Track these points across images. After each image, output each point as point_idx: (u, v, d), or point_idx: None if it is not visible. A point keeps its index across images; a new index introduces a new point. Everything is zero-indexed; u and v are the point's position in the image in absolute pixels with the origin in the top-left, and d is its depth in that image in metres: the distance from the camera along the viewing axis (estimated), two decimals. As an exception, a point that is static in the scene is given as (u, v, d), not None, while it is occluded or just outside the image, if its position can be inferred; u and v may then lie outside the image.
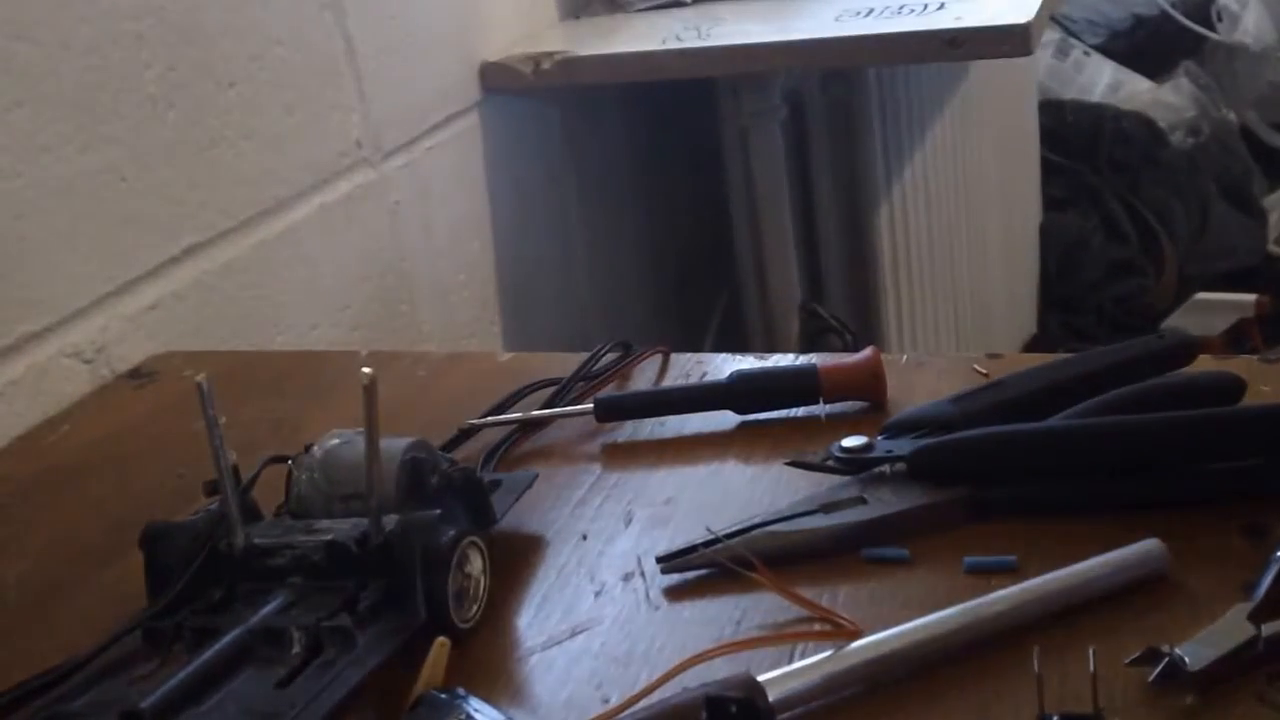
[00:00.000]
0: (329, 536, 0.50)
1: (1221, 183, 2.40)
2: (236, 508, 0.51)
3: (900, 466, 0.56)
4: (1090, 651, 0.41)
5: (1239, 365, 0.60)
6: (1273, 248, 2.46)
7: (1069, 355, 0.62)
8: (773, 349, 1.23)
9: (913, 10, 1.25)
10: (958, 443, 0.55)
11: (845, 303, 1.53)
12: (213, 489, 0.52)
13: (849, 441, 0.57)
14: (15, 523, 0.68)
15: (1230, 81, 2.64)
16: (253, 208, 1.00)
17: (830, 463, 0.57)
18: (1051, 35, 2.42)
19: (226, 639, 0.47)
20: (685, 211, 1.70)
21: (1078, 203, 2.28)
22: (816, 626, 0.48)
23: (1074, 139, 2.30)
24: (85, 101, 0.85)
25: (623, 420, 0.67)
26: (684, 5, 1.47)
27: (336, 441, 0.55)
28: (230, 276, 0.98)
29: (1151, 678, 0.42)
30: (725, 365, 0.71)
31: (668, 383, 0.72)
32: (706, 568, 0.52)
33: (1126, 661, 0.43)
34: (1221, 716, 0.41)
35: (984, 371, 0.65)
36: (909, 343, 1.58)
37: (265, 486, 0.55)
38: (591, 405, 0.67)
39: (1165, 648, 0.42)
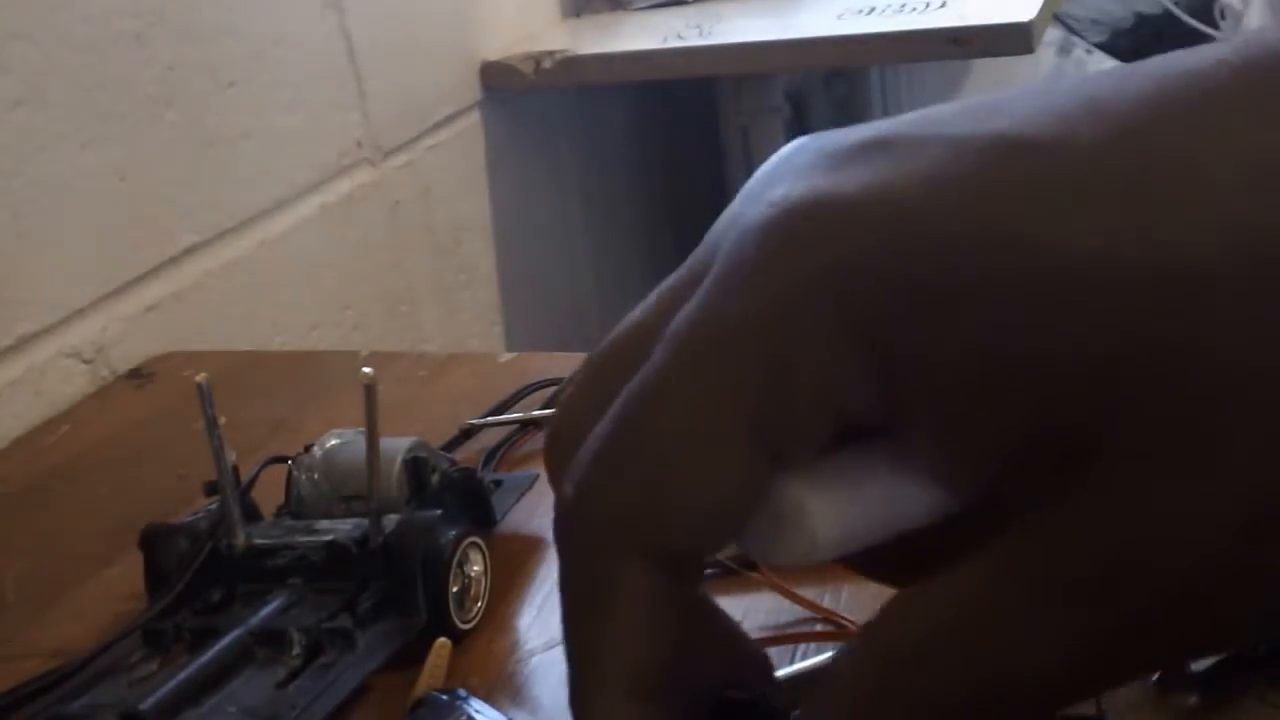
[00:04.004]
0: (329, 537, 0.50)
1: (1224, 181, 2.40)
2: (236, 508, 0.51)
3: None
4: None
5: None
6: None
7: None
8: (774, 348, 1.22)
9: (915, 9, 1.25)
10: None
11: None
12: (213, 489, 0.52)
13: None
14: (15, 524, 0.67)
15: (1232, 80, 2.63)
16: (253, 208, 1.00)
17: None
18: (1054, 34, 2.42)
19: (226, 640, 0.47)
20: (687, 210, 1.70)
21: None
22: (818, 627, 0.48)
23: (1076, 138, 2.30)
24: (84, 101, 0.85)
25: (624, 420, 0.67)
26: (685, 4, 1.47)
27: (336, 442, 0.55)
28: (230, 277, 0.98)
29: (1154, 679, 0.42)
30: (726, 365, 0.71)
31: (669, 382, 0.72)
32: (708, 568, 0.52)
33: None
34: (1223, 717, 0.41)
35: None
36: (911, 342, 1.58)
37: (265, 487, 0.55)
38: (592, 405, 0.66)
39: (1168, 648, 0.42)
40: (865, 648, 0.21)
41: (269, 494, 0.55)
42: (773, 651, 0.47)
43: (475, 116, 1.32)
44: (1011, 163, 0.20)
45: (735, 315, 0.21)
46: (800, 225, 0.20)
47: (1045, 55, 2.39)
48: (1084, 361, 0.19)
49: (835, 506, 0.21)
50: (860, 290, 0.20)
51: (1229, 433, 0.18)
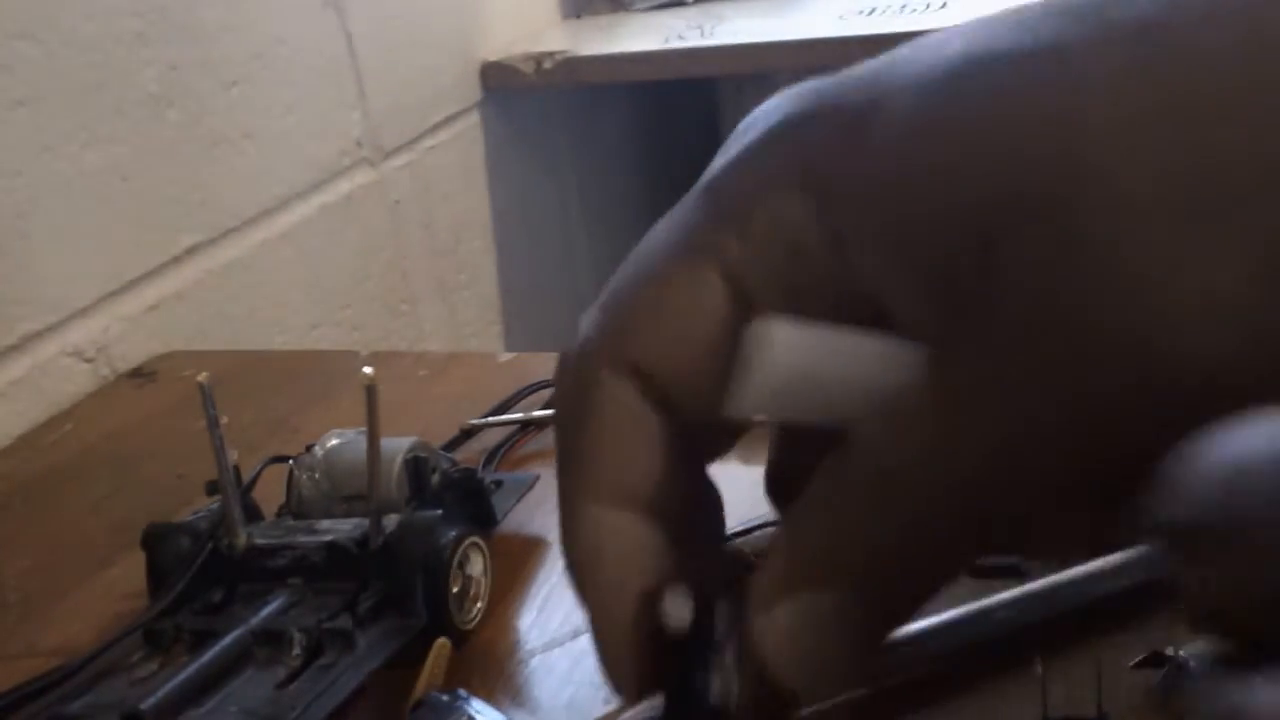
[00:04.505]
0: (329, 537, 0.50)
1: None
2: (237, 508, 0.51)
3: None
4: (1094, 654, 0.41)
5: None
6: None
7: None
8: (774, 349, 1.22)
9: (916, 9, 1.25)
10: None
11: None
12: (213, 489, 0.52)
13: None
14: (15, 522, 0.67)
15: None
16: (254, 207, 1.00)
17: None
18: (1054, 35, 2.42)
19: (227, 640, 0.47)
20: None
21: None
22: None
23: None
24: (87, 100, 0.85)
25: (624, 421, 0.67)
26: (686, 4, 1.47)
27: (337, 442, 0.55)
28: (231, 276, 0.98)
29: (1156, 681, 0.42)
30: (727, 366, 0.71)
31: (669, 383, 0.72)
32: (708, 569, 0.52)
33: (1130, 664, 0.43)
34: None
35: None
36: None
37: (266, 487, 0.55)
38: (593, 406, 0.66)
39: (1169, 650, 0.42)
40: (839, 471, 0.23)
41: (270, 494, 0.55)
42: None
43: (475, 116, 1.32)
44: (942, 43, 0.23)
45: (712, 172, 0.24)
46: (771, 106, 0.24)
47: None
48: (975, 167, 0.21)
49: (798, 335, 0.22)
50: (803, 140, 0.23)
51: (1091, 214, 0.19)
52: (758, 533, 0.53)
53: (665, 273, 0.24)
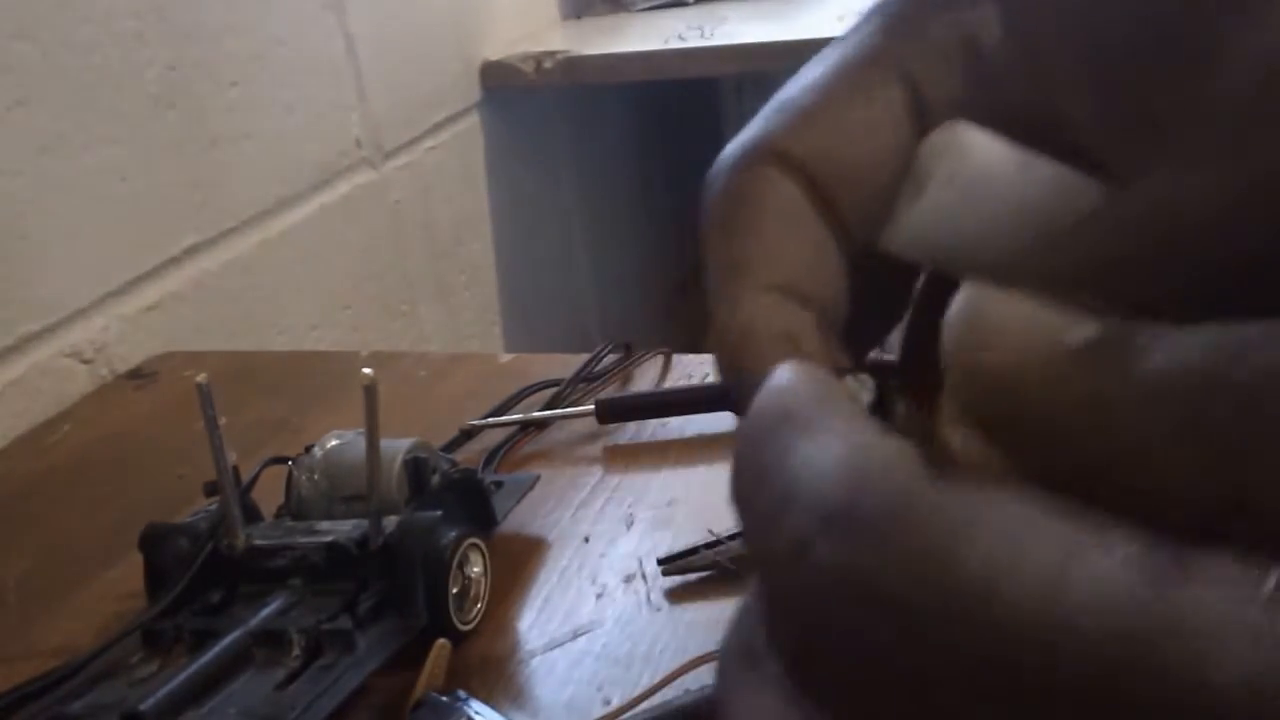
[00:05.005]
0: (329, 538, 0.50)
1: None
2: (237, 508, 0.51)
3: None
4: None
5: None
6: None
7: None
8: (774, 349, 1.22)
9: (915, 10, 1.25)
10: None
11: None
12: (213, 489, 0.52)
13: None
14: (15, 523, 0.67)
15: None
16: (253, 207, 1.00)
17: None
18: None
19: (226, 641, 0.47)
20: (686, 211, 1.70)
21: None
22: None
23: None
24: (86, 101, 0.85)
25: (624, 422, 0.67)
26: (686, 5, 1.47)
27: (337, 442, 0.55)
28: (231, 276, 0.98)
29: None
30: (727, 366, 0.71)
31: (669, 384, 0.72)
32: (708, 569, 0.52)
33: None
34: None
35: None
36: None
37: (265, 487, 0.55)
38: (593, 407, 0.67)
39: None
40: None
41: (269, 494, 0.55)
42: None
43: (475, 117, 1.32)
44: None
45: None
46: None
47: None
48: None
49: (984, 141, 0.21)
50: None
51: None
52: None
53: (839, 79, 0.22)
